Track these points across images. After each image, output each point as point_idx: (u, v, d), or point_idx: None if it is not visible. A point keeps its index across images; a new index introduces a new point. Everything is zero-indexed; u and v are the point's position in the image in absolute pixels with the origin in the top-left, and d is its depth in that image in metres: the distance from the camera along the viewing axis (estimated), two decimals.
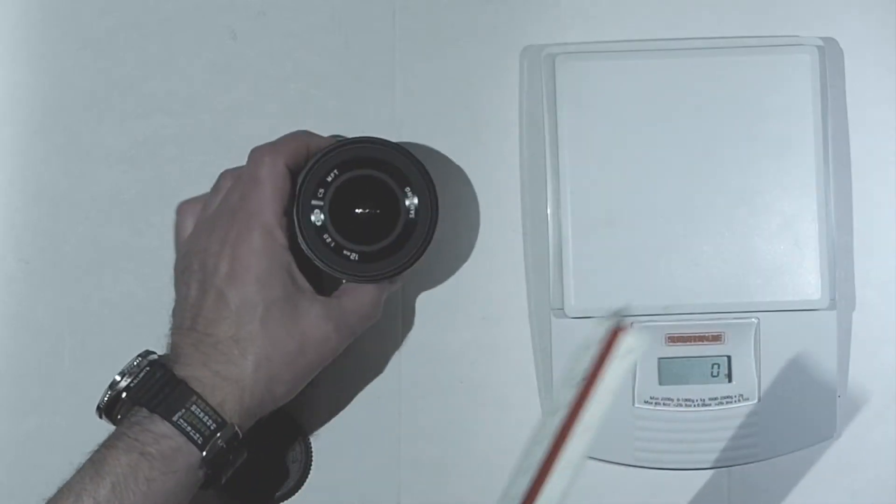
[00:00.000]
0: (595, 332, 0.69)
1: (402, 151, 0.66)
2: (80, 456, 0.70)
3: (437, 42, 0.73)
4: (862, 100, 0.72)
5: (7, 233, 0.72)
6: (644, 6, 0.72)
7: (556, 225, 0.69)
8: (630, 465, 0.70)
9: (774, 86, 0.69)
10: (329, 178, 0.66)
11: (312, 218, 0.66)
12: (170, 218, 0.72)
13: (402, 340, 0.72)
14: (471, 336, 0.72)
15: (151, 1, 0.73)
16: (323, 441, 0.71)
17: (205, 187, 0.72)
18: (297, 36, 0.73)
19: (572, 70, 0.69)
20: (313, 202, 0.66)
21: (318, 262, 0.66)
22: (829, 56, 0.71)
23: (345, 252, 0.66)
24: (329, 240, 0.66)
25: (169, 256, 0.72)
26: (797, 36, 0.71)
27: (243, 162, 0.72)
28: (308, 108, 0.72)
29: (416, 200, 0.66)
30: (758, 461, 0.70)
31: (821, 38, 0.70)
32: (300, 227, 0.66)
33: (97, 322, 0.71)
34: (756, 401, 0.69)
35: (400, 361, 0.72)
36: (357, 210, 0.66)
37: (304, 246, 0.66)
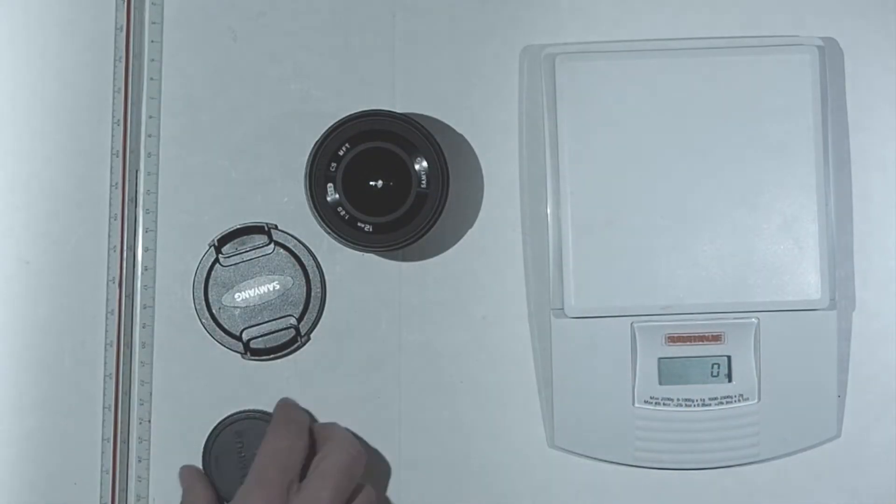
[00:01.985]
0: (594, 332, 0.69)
1: (412, 123, 0.67)
2: (80, 456, 0.71)
3: (437, 42, 0.73)
4: (862, 100, 0.72)
5: (7, 233, 0.72)
6: (644, 6, 0.72)
7: (556, 225, 0.69)
8: (630, 465, 0.70)
9: (774, 86, 0.69)
10: (341, 153, 0.67)
11: (326, 192, 0.67)
12: (170, 218, 0.72)
13: (402, 340, 0.72)
14: (471, 336, 0.72)
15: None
16: None
17: (204, 187, 0.72)
18: (297, 36, 0.73)
19: (572, 70, 0.69)
20: (326, 176, 0.67)
21: (332, 236, 0.67)
22: (829, 56, 0.71)
23: (359, 224, 0.67)
24: (343, 212, 0.67)
25: (169, 256, 0.72)
26: (797, 36, 0.71)
27: (241, 161, 0.72)
28: (308, 108, 0.72)
29: (426, 171, 0.67)
30: (758, 461, 0.70)
31: (821, 38, 0.70)
32: (314, 202, 0.67)
33: (97, 322, 0.71)
34: (756, 401, 0.69)
35: (400, 361, 0.72)
36: (369, 182, 0.67)
37: (318, 220, 0.67)
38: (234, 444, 0.70)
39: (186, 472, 0.70)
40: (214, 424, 0.71)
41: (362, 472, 0.66)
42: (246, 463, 0.70)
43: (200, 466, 0.71)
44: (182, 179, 0.72)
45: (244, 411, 0.71)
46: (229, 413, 0.71)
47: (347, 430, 0.69)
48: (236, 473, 0.70)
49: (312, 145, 0.68)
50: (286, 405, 0.70)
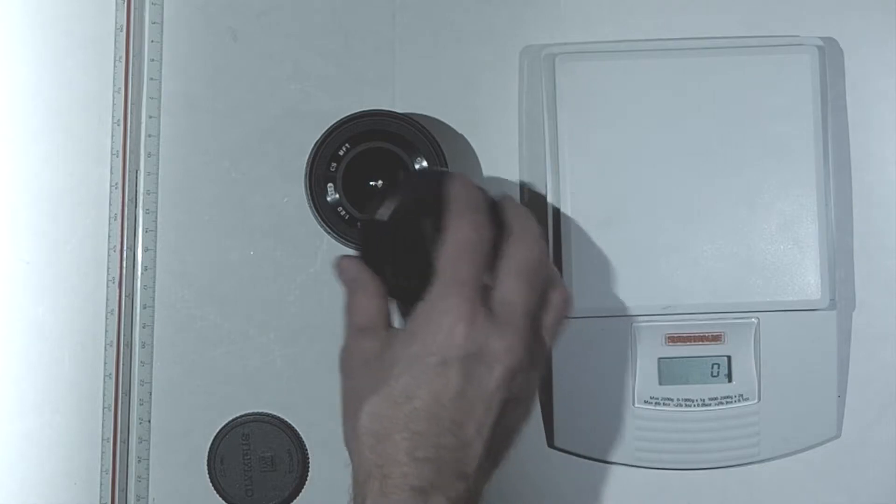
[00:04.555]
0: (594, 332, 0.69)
1: (412, 123, 0.67)
2: (80, 456, 0.71)
3: (437, 42, 0.73)
4: (862, 100, 0.72)
5: (7, 233, 0.72)
6: (644, 6, 0.72)
7: (556, 225, 0.69)
8: (630, 465, 0.70)
9: (774, 86, 0.69)
10: (341, 153, 0.67)
11: (326, 192, 0.67)
12: (169, 218, 0.72)
13: None
14: None
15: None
16: (321, 445, 0.71)
17: (204, 187, 0.72)
18: (297, 36, 0.73)
19: (572, 70, 0.69)
20: (326, 176, 0.67)
21: (332, 236, 0.67)
22: (829, 56, 0.71)
23: (359, 224, 0.67)
24: (343, 212, 0.67)
25: (169, 256, 0.72)
26: (797, 36, 0.71)
27: (241, 161, 0.72)
28: (308, 108, 0.72)
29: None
30: (758, 461, 0.70)
31: (821, 38, 0.70)
32: (314, 202, 0.67)
33: (97, 322, 0.71)
34: (756, 401, 0.69)
35: None
36: (369, 182, 0.68)
37: (318, 220, 0.67)
38: (239, 445, 0.70)
39: (348, 263, 0.63)
40: (215, 424, 0.71)
41: (549, 262, 0.62)
42: (251, 465, 0.70)
43: (205, 467, 0.71)
44: (182, 179, 0.72)
45: (252, 413, 0.71)
46: (228, 413, 0.71)
47: (528, 212, 0.63)
48: (240, 474, 0.70)
49: (312, 145, 0.68)
50: (464, 185, 0.62)
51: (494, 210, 0.61)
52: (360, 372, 0.61)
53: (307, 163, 0.68)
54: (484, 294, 0.59)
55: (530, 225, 0.61)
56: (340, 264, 0.63)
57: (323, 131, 0.68)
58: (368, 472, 0.59)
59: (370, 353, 0.61)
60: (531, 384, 0.61)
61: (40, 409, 0.71)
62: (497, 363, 0.58)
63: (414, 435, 0.58)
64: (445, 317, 0.58)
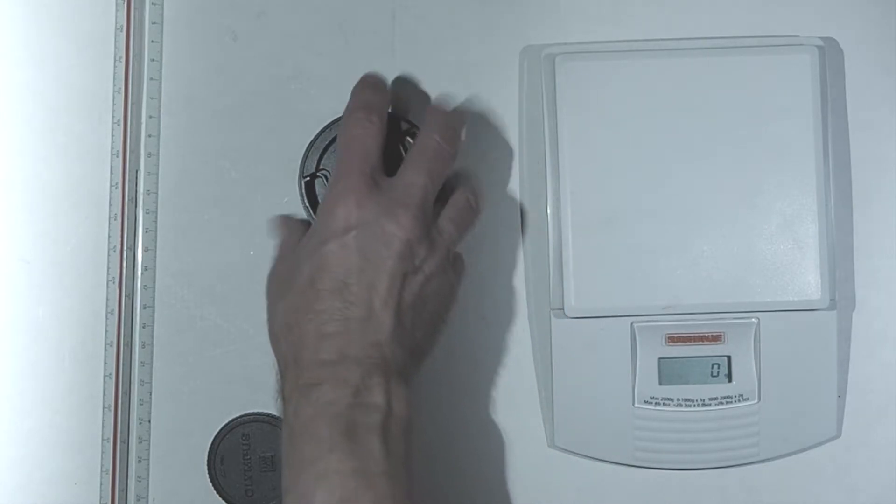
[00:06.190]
0: (594, 332, 0.69)
1: (410, 122, 0.68)
2: (80, 456, 0.71)
3: (437, 42, 0.73)
4: (862, 100, 0.72)
5: (7, 233, 0.72)
6: (644, 6, 0.72)
7: (556, 225, 0.69)
8: (630, 465, 0.70)
9: (774, 86, 0.69)
10: (333, 149, 0.68)
11: (317, 187, 0.68)
12: (169, 218, 0.72)
13: None
14: (471, 336, 0.72)
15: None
16: None
17: (204, 187, 0.72)
18: (297, 36, 0.73)
19: (572, 70, 0.69)
20: (317, 174, 0.68)
21: None
22: (829, 56, 0.71)
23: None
24: None
25: (169, 256, 0.72)
26: (797, 36, 0.71)
27: (241, 161, 0.72)
28: (308, 108, 0.72)
29: None
30: (758, 461, 0.70)
31: (821, 38, 0.70)
32: (307, 201, 0.68)
33: (97, 322, 0.71)
34: (756, 401, 0.69)
35: None
36: None
37: (312, 219, 0.68)
38: (240, 445, 0.71)
39: (278, 220, 0.70)
40: (215, 424, 0.71)
41: (455, 153, 0.66)
42: (251, 465, 0.70)
43: (205, 467, 0.71)
44: (182, 179, 0.72)
45: (252, 413, 0.71)
46: (228, 413, 0.71)
47: (445, 112, 0.68)
48: (240, 475, 0.70)
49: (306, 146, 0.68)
50: (362, 87, 0.68)
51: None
52: (278, 286, 0.65)
53: (301, 161, 0.68)
54: (382, 182, 0.63)
55: (441, 120, 0.66)
56: (274, 223, 0.70)
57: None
58: (286, 362, 0.63)
59: (287, 272, 0.64)
60: (438, 264, 0.64)
61: (40, 409, 0.72)
62: (393, 238, 0.62)
63: (319, 313, 0.62)
64: (336, 205, 0.62)
